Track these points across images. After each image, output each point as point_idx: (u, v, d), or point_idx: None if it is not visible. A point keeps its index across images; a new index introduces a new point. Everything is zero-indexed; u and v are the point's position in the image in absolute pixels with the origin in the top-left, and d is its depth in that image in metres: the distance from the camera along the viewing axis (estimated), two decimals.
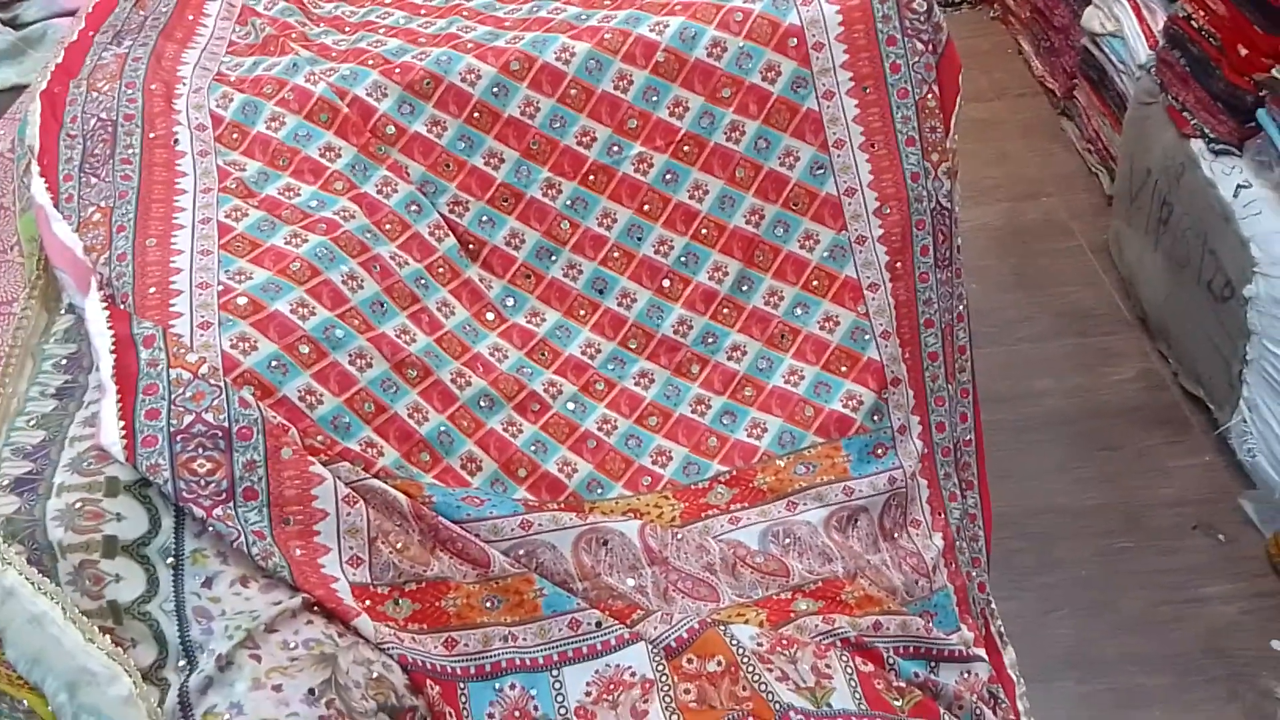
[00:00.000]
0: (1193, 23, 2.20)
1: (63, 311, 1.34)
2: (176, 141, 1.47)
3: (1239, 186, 2.05)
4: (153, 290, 1.28)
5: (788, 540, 1.37)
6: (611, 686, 1.18)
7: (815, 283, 1.52)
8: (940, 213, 1.51)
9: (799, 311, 1.52)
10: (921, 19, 1.48)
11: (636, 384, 1.51)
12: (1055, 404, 2.32)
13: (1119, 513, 2.09)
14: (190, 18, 1.71)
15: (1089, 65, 2.89)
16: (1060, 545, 2.03)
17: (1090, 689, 1.79)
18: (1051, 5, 3.20)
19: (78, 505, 1.09)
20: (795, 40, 1.50)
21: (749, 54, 1.50)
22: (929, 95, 1.49)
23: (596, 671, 1.19)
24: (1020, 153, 3.08)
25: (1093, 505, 2.10)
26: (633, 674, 1.18)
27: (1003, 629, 1.56)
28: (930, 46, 1.49)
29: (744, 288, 1.54)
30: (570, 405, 1.46)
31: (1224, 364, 2.12)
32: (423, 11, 1.73)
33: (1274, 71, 1.96)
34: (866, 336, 1.49)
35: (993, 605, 1.57)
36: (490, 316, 1.51)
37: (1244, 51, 2.05)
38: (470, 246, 1.54)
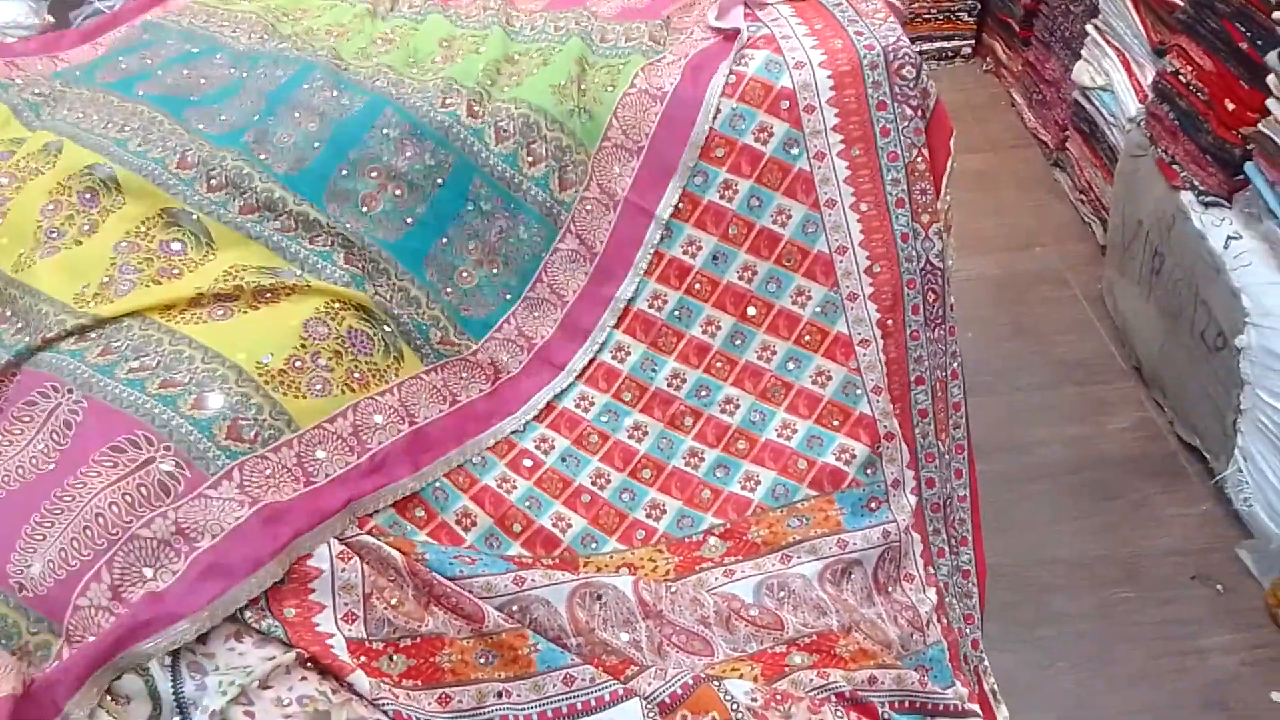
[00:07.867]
0: (1181, 78, 2.24)
1: None
2: None
3: (1229, 238, 2.07)
4: None
5: (782, 593, 1.38)
6: None
7: (807, 338, 1.53)
8: (931, 272, 1.53)
9: (791, 366, 1.54)
10: (910, 85, 1.51)
11: (630, 437, 1.52)
12: (1052, 453, 2.32)
13: (1117, 563, 2.08)
14: None
15: (1080, 118, 2.93)
16: (1059, 597, 2.02)
17: None
18: (1043, 59, 3.25)
19: None
20: (787, 103, 1.53)
21: (742, 115, 1.53)
22: (918, 158, 1.52)
23: None
24: (1015, 203, 3.11)
25: (1091, 556, 2.09)
26: None
27: (995, 687, 1.55)
28: (919, 111, 1.52)
29: (737, 342, 1.56)
30: (563, 460, 1.48)
31: (1219, 413, 2.13)
32: None
33: (1260, 125, 1.99)
34: (858, 391, 1.50)
35: (986, 663, 1.56)
36: None
37: (1231, 106, 2.09)
38: None
